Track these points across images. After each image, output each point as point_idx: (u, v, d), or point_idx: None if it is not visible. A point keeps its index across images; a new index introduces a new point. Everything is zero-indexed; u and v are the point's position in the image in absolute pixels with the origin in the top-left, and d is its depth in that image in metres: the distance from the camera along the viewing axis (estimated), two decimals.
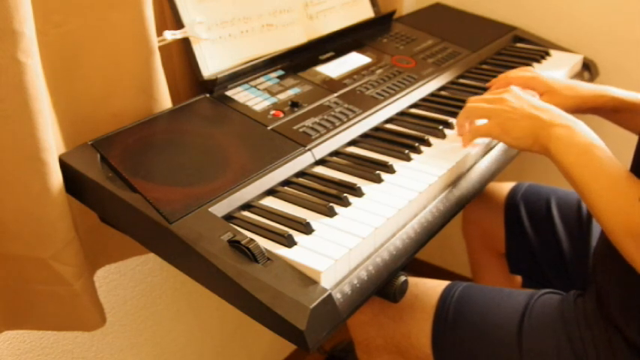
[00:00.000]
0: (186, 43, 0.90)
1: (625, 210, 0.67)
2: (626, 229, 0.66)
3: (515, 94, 0.84)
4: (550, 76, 0.97)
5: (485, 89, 1.06)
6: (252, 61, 0.96)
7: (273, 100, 0.91)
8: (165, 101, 0.83)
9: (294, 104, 0.91)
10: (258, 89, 0.93)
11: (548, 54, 1.26)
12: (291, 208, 0.73)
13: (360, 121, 0.91)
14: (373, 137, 0.90)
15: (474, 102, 0.87)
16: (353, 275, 0.65)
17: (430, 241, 0.75)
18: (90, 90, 0.77)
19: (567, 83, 0.96)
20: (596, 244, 0.85)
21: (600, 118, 0.98)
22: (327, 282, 0.62)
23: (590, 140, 0.74)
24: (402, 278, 0.70)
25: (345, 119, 0.90)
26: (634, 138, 0.77)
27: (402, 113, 0.97)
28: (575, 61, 1.24)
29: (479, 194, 1.00)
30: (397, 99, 0.99)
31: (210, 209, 0.68)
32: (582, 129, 0.75)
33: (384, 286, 0.69)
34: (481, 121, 0.86)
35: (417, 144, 0.86)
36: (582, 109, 0.95)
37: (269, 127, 0.85)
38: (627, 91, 0.94)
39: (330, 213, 0.71)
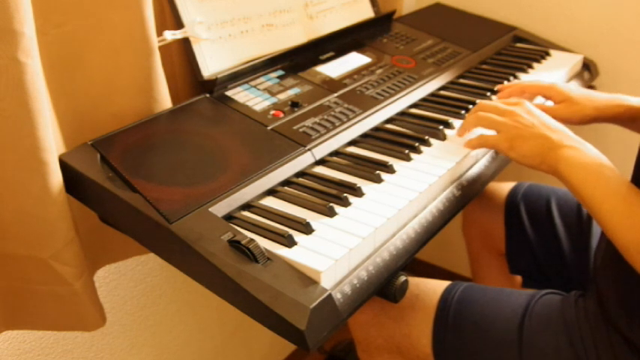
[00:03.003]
0: (186, 43, 0.90)
1: (637, 227, 0.67)
2: (639, 245, 0.66)
3: (527, 108, 0.83)
4: (567, 86, 0.97)
5: (486, 89, 1.06)
6: (252, 61, 0.96)
7: (273, 100, 0.91)
8: (165, 101, 0.83)
9: (294, 104, 0.91)
10: (258, 89, 0.93)
11: (548, 54, 1.26)
12: (291, 208, 0.73)
13: (360, 121, 0.91)
14: (373, 137, 0.90)
15: (484, 110, 0.86)
16: (353, 275, 0.65)
17: (430, 241, 0.75)
18: (90, 90, 0.77)
19: (584, 93, 0.96)
20: (597, 244, 0.85)
21: (600, 127, 0.98)
22: (327, 282, 0.62)
23: (599, 160, 0.74)
24: (402, 278, 0.70)
25: (345, 119, 0.90)
26: (634, 148, 0.77)
27: (402, 113, 0.97)
28: (575, 61, 1.24)
29: (479, 194, 1.00)
30: (397, 99, 0.99)
31: (210, 209, 0.68)
32: (590, 150, 0.76)
33: (384, 286, 0.69)
34: (489, 131, 0.86)
35: (417, 144, 0.86)
36: (600, 119, 0.94)
37: (269, 127, 0.85)
38: None
39: (330, 213, 0.71)
